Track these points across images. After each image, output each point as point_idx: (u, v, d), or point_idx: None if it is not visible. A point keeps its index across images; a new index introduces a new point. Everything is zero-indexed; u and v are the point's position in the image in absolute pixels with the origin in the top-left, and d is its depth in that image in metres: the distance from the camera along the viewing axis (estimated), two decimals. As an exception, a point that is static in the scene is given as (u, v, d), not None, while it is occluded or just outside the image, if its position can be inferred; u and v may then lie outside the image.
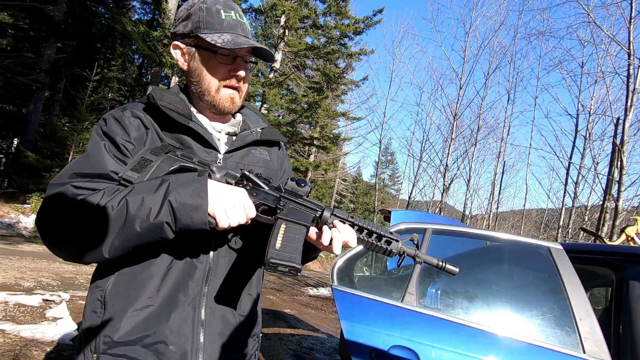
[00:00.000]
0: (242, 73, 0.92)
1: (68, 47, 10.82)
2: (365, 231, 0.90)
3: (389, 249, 0.90)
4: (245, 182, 0.86)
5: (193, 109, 0.96)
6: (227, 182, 0.85)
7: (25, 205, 9.41)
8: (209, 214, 0.76)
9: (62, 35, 10.42)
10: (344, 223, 0.88)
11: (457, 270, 0.92)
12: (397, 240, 0.91)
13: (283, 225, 0.84)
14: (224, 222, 0.78)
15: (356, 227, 0.89)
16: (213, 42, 0.86)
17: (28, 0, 9.99)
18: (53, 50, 10.45)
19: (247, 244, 0.93)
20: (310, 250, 0.95)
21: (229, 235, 0.91)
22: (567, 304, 1.70)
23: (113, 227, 0.73)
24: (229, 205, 0.78)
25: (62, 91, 11.52)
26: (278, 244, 0.81)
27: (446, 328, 1.68)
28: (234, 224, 0.79)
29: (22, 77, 9.74)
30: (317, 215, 0.88)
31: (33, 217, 9.01)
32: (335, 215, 0.89)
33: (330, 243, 0.85)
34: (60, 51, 10.64)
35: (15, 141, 12.66)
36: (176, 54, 0.94)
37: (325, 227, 0.86)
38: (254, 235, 0.93)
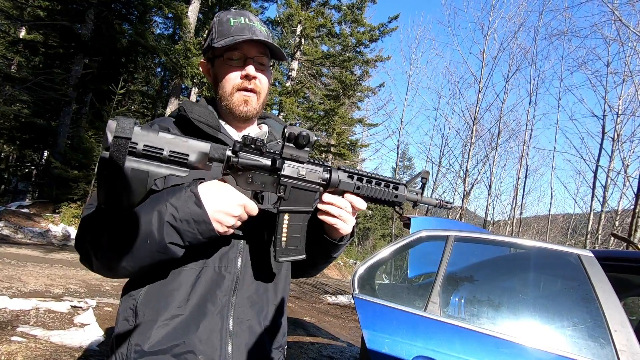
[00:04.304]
0: (250, 70, 0.93)
1: (94, 62, 11.30)
2: (374, 181, 0.90)
3: (396, 193, 0.91)
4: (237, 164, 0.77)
5: (222, 121, 1.00)
6: (224, 174, 0.79)
7: (55, 215, 9.80)
8: (213, 221, 0.75)
9: (89, 52, 10.92)
10: (352, 178, 0.87)
11: (453, 203, 0.97)
12: (404, 185, 0.93)
13: (286, 217, 0.84)
14: (229, 222, 0.77)
15: (365, 179, 0.89)
16: (217, 46, 0.91)
17: (59, 20, 10.56)
18: (80, 66, 10.95)
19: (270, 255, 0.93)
20: (325, 245, 0.95)
21: (256, 243, 0.92)
22: (601, 314, 1.62)
23: (125, 248, 0.75)
24: (228, 208, 0.76)
25: (88, 104, 12.01)
26: (284, 240, 0.84)
27: (471, 338, 1.63)
28: (238, 223, 0.79)
29: (52, 92, 10.24)
30: (321, 189, 0.86)
31: (62, 226, 9.38)
32: (341, 181, 0.86)
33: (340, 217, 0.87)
34: (87, 67, 11.13)
35: (46, 153, 13.26)
36: (203, 70, 1.02)
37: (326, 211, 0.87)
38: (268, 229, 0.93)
